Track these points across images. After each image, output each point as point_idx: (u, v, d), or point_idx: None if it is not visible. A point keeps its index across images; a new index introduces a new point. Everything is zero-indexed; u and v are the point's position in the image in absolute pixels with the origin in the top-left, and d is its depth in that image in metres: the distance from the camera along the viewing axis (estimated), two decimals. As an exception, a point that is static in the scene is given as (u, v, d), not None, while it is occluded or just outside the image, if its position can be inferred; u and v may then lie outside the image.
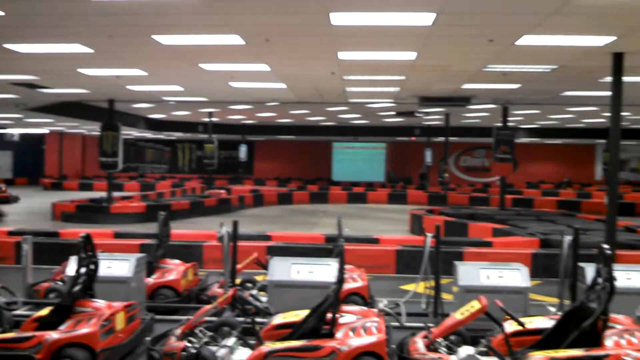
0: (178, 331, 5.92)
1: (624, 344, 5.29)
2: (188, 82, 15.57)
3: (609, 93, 11.17)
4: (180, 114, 27.29)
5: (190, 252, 11.27)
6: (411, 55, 11.06)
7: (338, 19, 8.26)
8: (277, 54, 11.29)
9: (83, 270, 6.29)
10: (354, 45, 10.34)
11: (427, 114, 24.45)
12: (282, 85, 15.72)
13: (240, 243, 8.15)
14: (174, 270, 8.59)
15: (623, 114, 12.77)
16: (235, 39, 9.69)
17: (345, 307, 6.32)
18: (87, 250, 6.34)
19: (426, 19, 8.21)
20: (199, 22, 8.74)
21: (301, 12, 8.03)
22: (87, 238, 6.35)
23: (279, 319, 6.27)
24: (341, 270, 5.95)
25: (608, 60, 10.68)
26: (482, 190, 33.82)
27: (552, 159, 40.89)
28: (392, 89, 16.39)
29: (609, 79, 11.11)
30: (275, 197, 28.68)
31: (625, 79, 10.98)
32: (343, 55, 11.08)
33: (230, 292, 6.31)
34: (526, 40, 9.45)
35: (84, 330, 5.75)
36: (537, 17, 8.09)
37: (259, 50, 10.75)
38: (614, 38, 9.30)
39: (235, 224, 7.67)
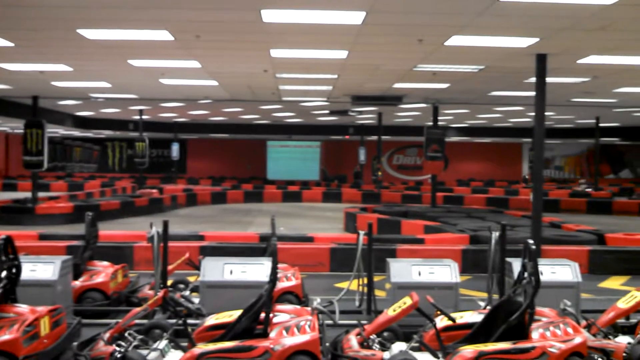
0: (107, 335, 5.74)
1: (549, 336, 5.47)
2: (116, 78, 15.14)
3: (533, 93, 11.54)
4: (110, 111, 26.55)
5: (120, 254, 10.97)
6: (342, 54, 11.11)
7: (269, 16, 8.19)
8: (208, 51, 11.12)
9: (4, 274, 6.00)
10: (286, 43, 10.30)
11: (360, 112, 24.68)
12: (214, 83, 15.52)
13: (172, 243, 8.00)
14: (103, 272, 8.32)
15: (547, 113, 13.25)
16: (164, 35, 9.47)
17: (278, 306, 6.28)
18: (8, 253, 6.07)
19: (356, 17, 8.24)
20: (126, 16, 8.49)
21: (232, 8, 7.92)
22: (8, 240, 6.08)
23: (211, 320, 6.18)
24: (274, 269, 5.91)
25: (532, 62, 11.02)
26: (414, 188, 34.43)
27: (481, 157, 42.13)
28: (324, 88, 16.45)
29: (533, 79, 11.47)
30: (208, 196, 28.27)
31: (549, 79, 11.38)
32: (275, 52, 11.02)
33: (161, 293, 6.17)
34: (455, 40, 9.64)
35: (5, 337, 5.47)
36: (465, 17, 8.26)
37: (189, 46, 10.56)
38: (537, 40, 9.59)
39: (165, 224, 7.50)
